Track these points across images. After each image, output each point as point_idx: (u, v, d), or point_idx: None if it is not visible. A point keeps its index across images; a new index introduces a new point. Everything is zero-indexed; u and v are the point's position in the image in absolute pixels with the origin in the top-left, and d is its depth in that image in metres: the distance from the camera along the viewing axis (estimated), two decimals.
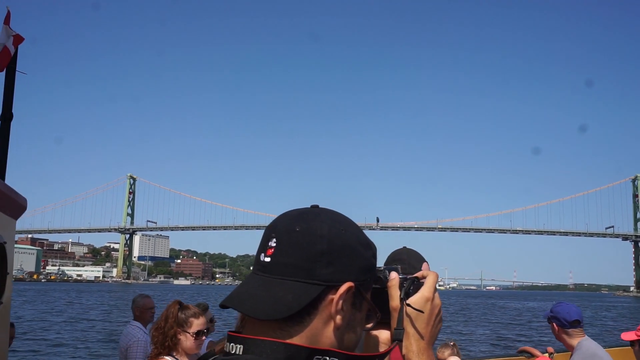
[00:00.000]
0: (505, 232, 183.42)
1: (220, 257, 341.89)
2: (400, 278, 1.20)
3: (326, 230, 1.05)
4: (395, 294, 1.18)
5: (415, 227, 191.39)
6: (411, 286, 1.20)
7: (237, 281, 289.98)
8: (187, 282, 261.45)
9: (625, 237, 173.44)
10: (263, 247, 1.07)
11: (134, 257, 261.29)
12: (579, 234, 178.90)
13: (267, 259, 1.04)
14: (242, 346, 1.01)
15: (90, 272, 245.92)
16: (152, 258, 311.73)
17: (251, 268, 1.12)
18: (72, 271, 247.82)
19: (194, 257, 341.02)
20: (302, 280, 1.02)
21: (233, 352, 1.02)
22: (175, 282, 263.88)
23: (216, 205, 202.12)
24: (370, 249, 1.10)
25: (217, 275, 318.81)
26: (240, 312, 1.04)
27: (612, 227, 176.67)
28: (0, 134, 3.99)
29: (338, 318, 1.02)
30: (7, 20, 4.02)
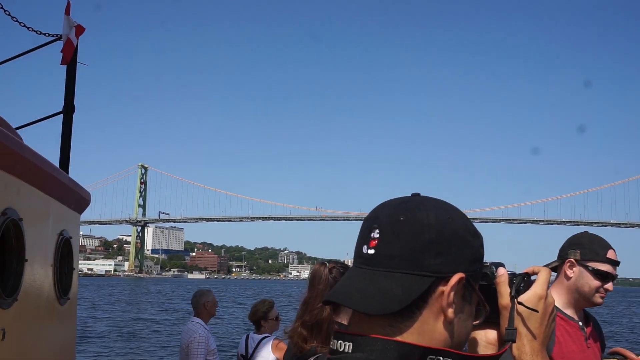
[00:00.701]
0: (538, 223, 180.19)
1: (237, 249, 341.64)
2: (509, 274, 1.16)
3: (433, 219, 1.01)
4: (504, 291, 1.14)
5: None
6: (522, 283, 1.15)
7: (254, 275, 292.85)
8: (202, 276, 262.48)
9: None
10: (364, 238, 1.03)
11: (147, 250, 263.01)
12: (619, 225, 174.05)
13: (371, 251, 1.01)
14: (351, 344, 0.98)
15: (102, 265, 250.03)
16: (165, 251, 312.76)
17: (348, 262, 1.17)
18: (82, 265, 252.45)
19: (210, 250, 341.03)
20: (410, 272, 0.98)
21: (341, 349, 1.00)
22: (190, 276, 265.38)
23: (231, 195, 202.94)
24: (478, 238, 1.06)
25: (234, 269, 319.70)
26: (347, 307, 1.00)
27: None
28: (63, 127, 4.09)
29: (450, 311, 0.99)
30: (67, 11, 4.07)
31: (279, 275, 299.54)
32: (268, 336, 5.44)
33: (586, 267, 2.57)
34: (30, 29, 3.99)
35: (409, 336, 0.98)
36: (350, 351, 0.98)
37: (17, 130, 3.75)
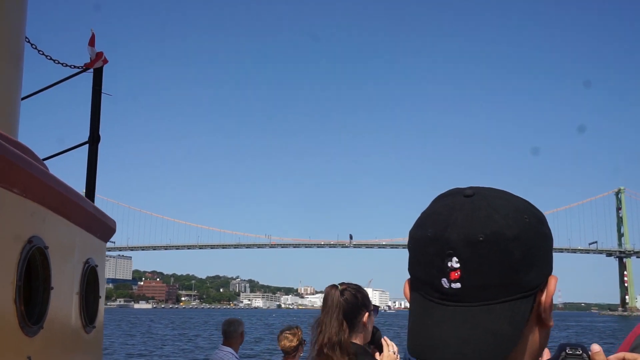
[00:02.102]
0: None
1: (188, 278, 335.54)
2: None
3: (516, 229, 0.89)
4: None
5: (390, 245, 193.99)
6: None
7: (204, 304, 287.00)
8: (149, 306, 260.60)
9: (609, 253, 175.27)
10: (440, 270, 0.89)
11: None
12: (561, 250, 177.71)
13: (456, 285, 0.88)
14: None
15: None
16: (112, 280, 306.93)
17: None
18: None
19: (158, 279, 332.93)
20: (510, 298, 0.88)
21: None
22: (136, 305, 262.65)
23: (180, 223, 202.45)
24: (546, 222, 0.96)
25: (183, 298, 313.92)
26: None
27: (596, 242, 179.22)
28: (88, 157, 4.20)
29: (550, 320, 0.93)
30: (91, 42, 4.20)
31: (230, 304, 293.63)
32: None
33: None
34: (57, 62, 4.13)
35: (525, 354, 0.92)
36: None
37: (44, 161, 3.86)
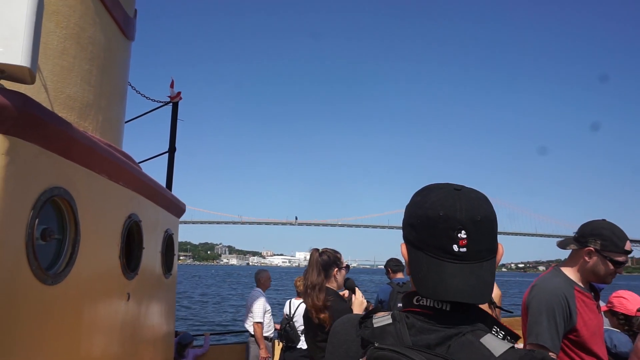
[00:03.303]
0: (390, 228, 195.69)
1: (185, 244, 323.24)
2: None
3: (494, 213, 1.01)
4: None
5: (322, 224, 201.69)
6: None
7: (195, 262, 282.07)
8: None
9: None
10: (452, 238, 0.96)
11: None
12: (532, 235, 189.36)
13: (463, 249, 0.96)
14: (449, 303, 0.96)
15: None
16: None
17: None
18: None
19: None
20: (489, 258, 0.98)
21: (438, 307, 0.96)
22: None
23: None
24: None
25: (181, 258, 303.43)
26: (474, 304, 0.95)
27: None
28: (168, 161, 4.43)
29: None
30: (172, 85, 4.43)
31: (214, 262, 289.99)
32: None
33: (605, 257, 2.22)
34: (148, 98, 4.39)
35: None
36: (448, 309, 0.96)
37: (140, 164, 3.96)
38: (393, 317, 1.00)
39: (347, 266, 3.09)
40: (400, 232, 1.08)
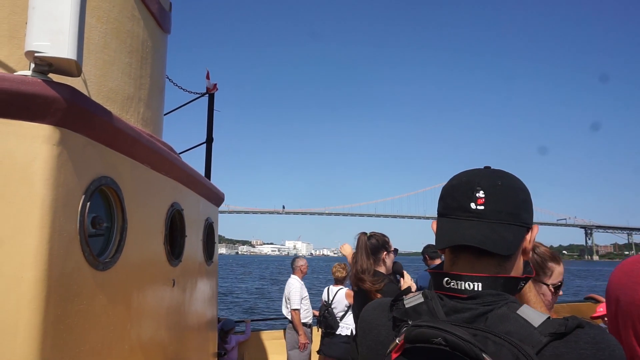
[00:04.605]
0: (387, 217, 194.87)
1: None
2: None
3: (521, 184, 1.02)
4: None
5: (313, 212, 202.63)
6: None
7: None
8: None
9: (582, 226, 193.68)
10: (469, 197, 0.99)
11: None
12: (419, 217, 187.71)
13: (481, 207, 0.97)
14: (480, 283, 0.94)
15: None
16: None
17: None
18: None
19: None
20: (514, 223, 0.97)
21: (470, 288, 0.94)
22: None
23: None
24: None
25: None
26: (485, 249, 0.94)
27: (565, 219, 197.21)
28: (206, 151, 4.48)
29: (530, 253, 1.03)
30: (207, 76, 4.45)
31: None
32: (342, 288, 5.52)
33: None
34: (185, 90, 4.43)
35: (512, 272, 0.99)
36: (480, 289, 0.93)
37: (180, 154, 4.02)
38: (424, 295, 0.98)
39: (395, 250, 3.06)
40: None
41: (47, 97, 1.73)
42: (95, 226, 2.08)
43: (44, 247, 1.70)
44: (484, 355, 0.80)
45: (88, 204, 1.98)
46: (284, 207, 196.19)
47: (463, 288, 0.94)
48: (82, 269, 1.96)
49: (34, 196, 1.70)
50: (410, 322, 0.92)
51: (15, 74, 1.79)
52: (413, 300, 0.98)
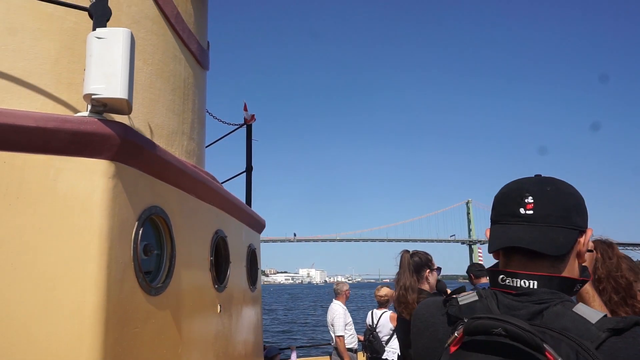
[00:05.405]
0: (382, 241, 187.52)
1: None
2: None
3: (572, 190, 1.04)
4: None
5: (324, 240, 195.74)
6: None
7: None
8: None
9: (463, 242, 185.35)
10: (518, 203, 1.01)
11: None
12: (431, 241, 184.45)
13: (530, 212, 0.99)
14: (535, 281, 0.96)
15: None
16: None
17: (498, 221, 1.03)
18: None
19: None
20: (564, 226, 0.99)
21: (526, 286, 0.96)
22: None
23: None
24: None
25: None
26: (536, 250, 0.96)
27: (454, 235, 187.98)
28: (246, 179, 4.63)
29: (584, 255, 1.03)
30: (245, 108, 4.65)
31: None
32: (386, 311, 5.46)
33: None
34: (225, 122, 4.65)
35: (565, 273, 1.00)
36: (536, 287, 0.95)
37: (222, 183, 4.12)
38: (479, 294, 1.00)
39: (439, 268, 3.06)
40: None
41: (103, 135, 1.89)
42: (147, 253, 2.21)
43: (102, 273, 1.83)
44: (544, 345, 0.82)
45: (140, 232, 2.11)
46: (295, 235, 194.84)
47: (519, 285, 0.96)
48: (137, 294, 2.08)
49: (93, 226, 1.84)
50: (465, 319, 0.93)
51: (75, 115, 1.97)
52: (467, 298, 1.00)
